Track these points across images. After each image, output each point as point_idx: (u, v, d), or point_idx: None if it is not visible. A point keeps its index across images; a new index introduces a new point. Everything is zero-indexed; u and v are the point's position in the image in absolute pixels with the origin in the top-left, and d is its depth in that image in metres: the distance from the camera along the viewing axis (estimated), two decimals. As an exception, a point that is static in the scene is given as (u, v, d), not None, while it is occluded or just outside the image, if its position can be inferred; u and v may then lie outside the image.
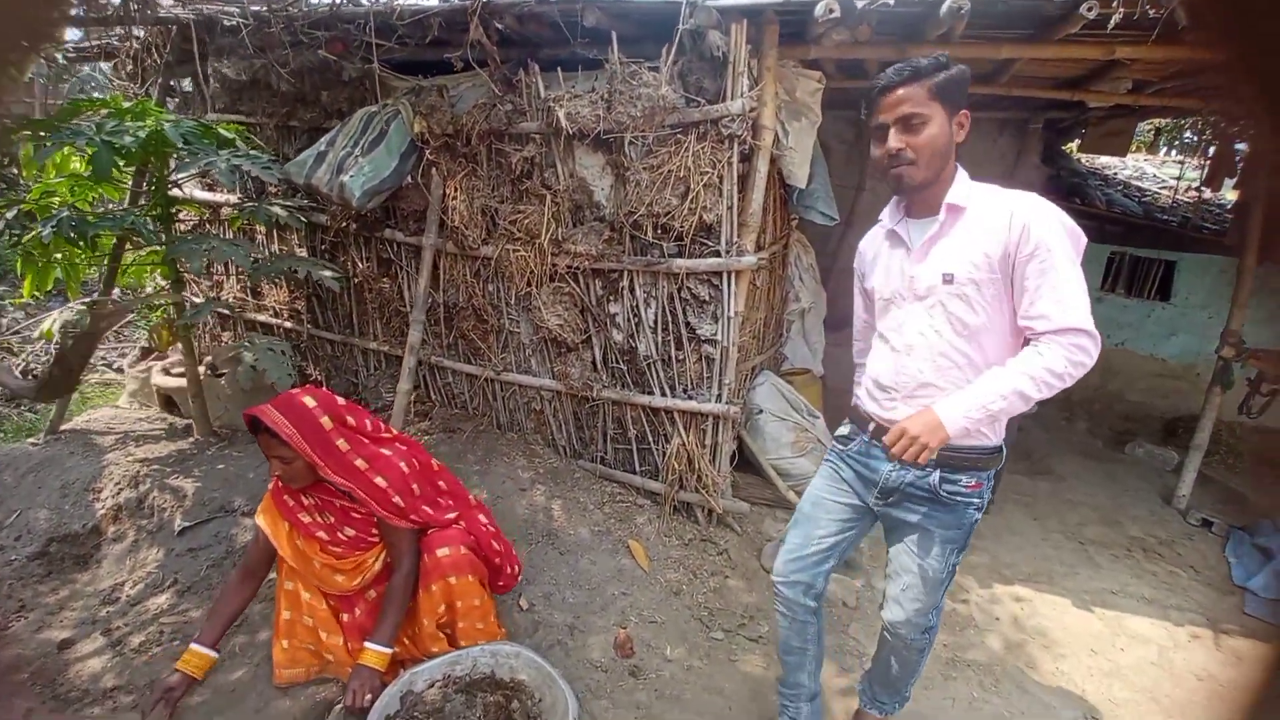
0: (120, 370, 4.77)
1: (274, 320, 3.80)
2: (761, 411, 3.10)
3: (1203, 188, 5.46)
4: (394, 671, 1.90)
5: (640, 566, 2.60)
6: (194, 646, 1.88)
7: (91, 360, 3.82)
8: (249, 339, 2.88)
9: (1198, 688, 2.34)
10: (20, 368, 4.73)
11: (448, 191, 2.93)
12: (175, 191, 3.52)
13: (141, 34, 3.32)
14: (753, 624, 2.43)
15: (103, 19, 2.89)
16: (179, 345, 3.55)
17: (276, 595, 2.02)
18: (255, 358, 2.74)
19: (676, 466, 2.81)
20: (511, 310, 3.09)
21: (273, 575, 2.07)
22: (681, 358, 2.76)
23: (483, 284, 3.10)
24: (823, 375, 3.92)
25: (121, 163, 2.73)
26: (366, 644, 1.85)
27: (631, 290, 2.78)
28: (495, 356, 3.19)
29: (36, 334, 4.02)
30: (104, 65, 3.73)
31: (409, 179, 2.98)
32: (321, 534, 1.93)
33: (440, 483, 2.11)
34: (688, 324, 2.72)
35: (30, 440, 3.41)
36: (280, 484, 1.91)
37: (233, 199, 3.46)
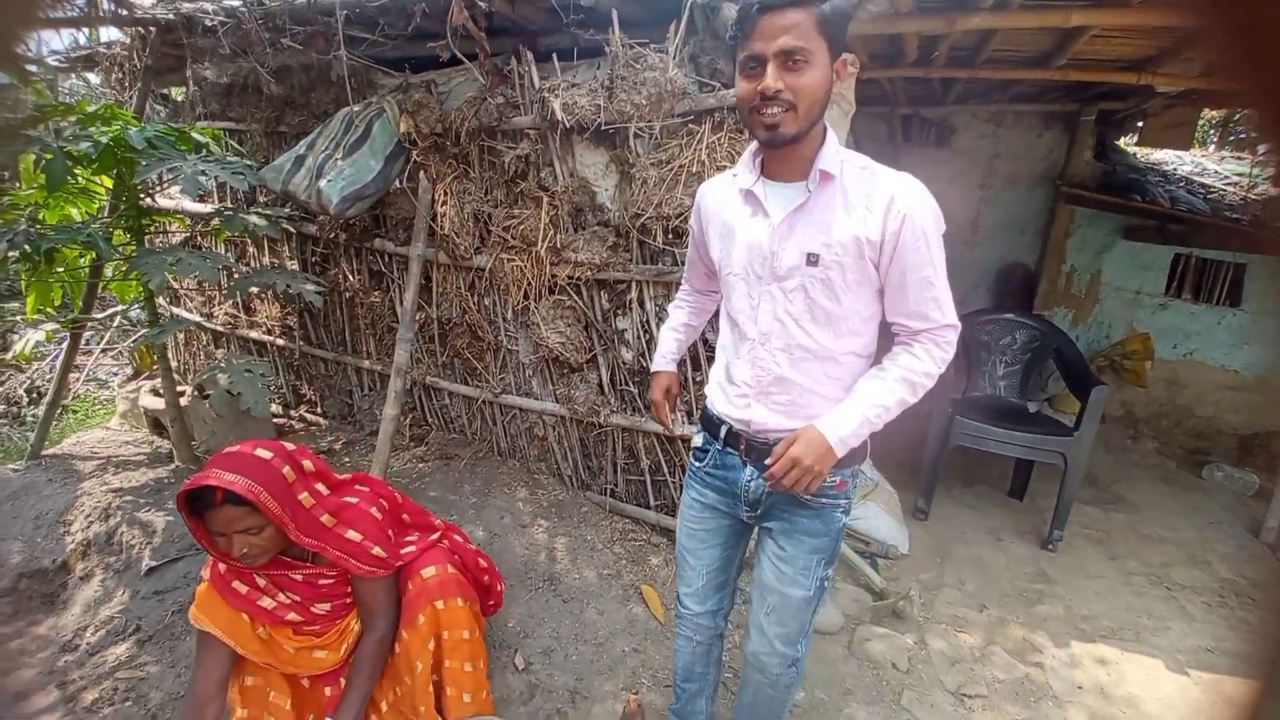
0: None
1: (266, 338, 3.59)
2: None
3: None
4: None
5: (655, 616, 2.29)
6: None
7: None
8: (226, 360, 2.65)
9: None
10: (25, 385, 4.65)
11: (436, 196, 2.66)
12: (162, 201, 3.35)
13: (125, 38, 3.15)
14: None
15: (73, 20, 2.71)
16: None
17: (229, 688, 1.66)
18: (230, 379, 2.51)
19: (693, 501, 2.48)
20: (509, 326, 2.80)
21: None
22: (699, 380, 2.45)
23: (477, 297, 2.82)
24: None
25: (88, 171, 2.54)
26: None
27: (641, 303, 2.47)
28: (493, 377, 2.91)
29: (10, 355, 3.87)
30: (91, 76, 3.60)
31: (397, 183, 2.73)
32: (293, 615, 1.61)
33: (404, 516, 1.85)
34: (704, 341, 2.40)
35: (12, 466, 3.24)
36: (222, 571, 1.57)
37: (225, 209, 3.26)
